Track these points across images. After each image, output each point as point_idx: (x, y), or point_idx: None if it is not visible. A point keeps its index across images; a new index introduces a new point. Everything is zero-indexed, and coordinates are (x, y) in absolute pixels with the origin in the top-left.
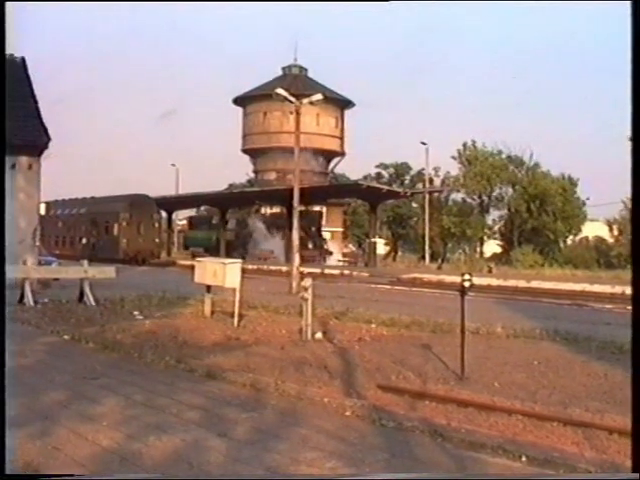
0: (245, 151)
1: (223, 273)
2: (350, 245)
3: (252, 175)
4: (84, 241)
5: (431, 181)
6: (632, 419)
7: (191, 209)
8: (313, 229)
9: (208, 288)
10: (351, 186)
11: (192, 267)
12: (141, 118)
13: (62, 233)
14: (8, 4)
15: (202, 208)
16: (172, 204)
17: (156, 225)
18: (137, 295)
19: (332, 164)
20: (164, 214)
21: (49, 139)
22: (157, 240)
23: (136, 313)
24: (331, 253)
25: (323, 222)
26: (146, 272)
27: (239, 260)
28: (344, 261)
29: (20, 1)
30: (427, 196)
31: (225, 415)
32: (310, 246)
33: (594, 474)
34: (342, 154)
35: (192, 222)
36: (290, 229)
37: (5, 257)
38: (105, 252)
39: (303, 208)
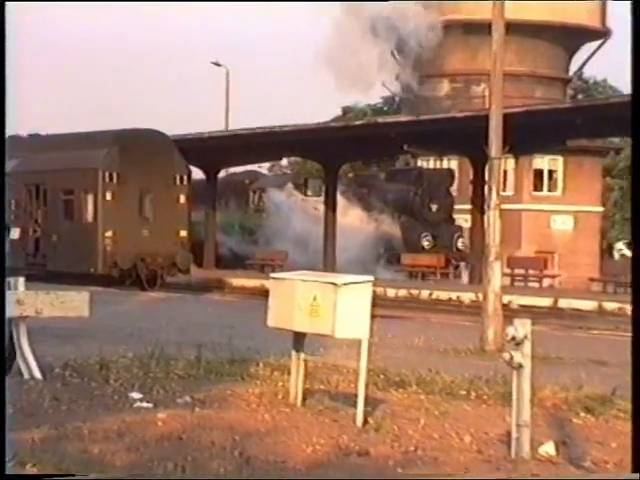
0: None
1: (331, 304)
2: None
3: (394, 88)
4: (16, 234)
5: None
6: (632, 419)
7: (258, 164)
8: (436, 206)
9: (298, 339)
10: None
11: (264, 293)
12: None
13: None
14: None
15: (284, 162)
16: (216, 152)
17: (181, 198)
18: (137, 355)
19: (581, 57)
20: (198, 173)
21: None
22: (183, 232)
23: (135, 395)
24: (465, 262)
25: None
26: (160, 304)
27: (367, 277)
28: (521, 276)
29: (20, 1)
30: None
31: None
32: (426, 243)
33: (594, 474)
34: (604, 34)
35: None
36: (479, 207)
37: (5, 255)
38: (66, 259)
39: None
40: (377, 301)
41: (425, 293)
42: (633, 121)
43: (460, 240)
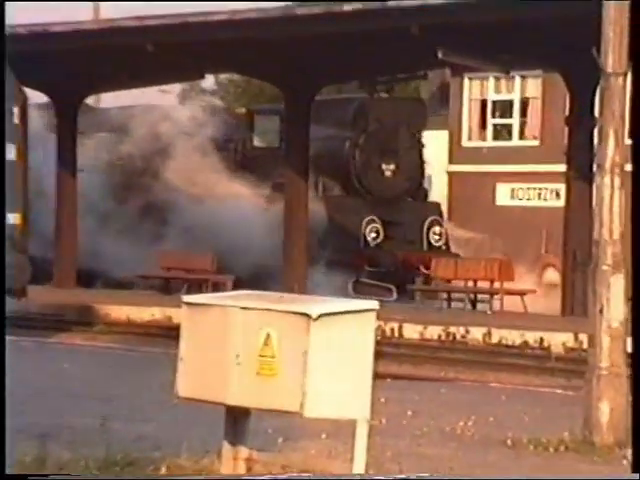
0: None
1: (299, 353)
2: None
3: None
4: None
5: None
6: (632, 419)
7: (158, 86)
8: (392, 168)
9: (234, 421)
10: None
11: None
12: None
13: None
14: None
15: (208, 82)
16: (75, 62)
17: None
18: None
19: None
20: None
21: None
22: (11, 217)
23: None
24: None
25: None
26: None
27: (366, 302)
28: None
29: (20, 1)
30: None
31: None
32: (372, 235)
33: (594, 474)
34: None
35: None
36: None
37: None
38: None
39: None
40: (383, 347)
41: (477, 333)
42: (633, 120)
43: (436, 229)
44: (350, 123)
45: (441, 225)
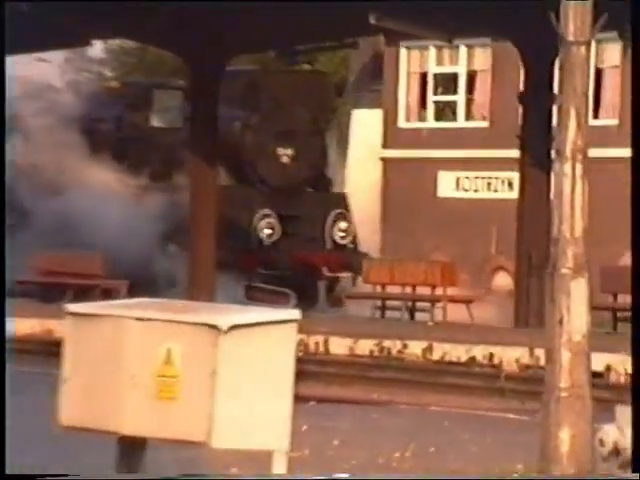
0: None
1: (206, 372)
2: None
3: None
4: None
5: None
6: (632, 419)
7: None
8: (290, 152)
9: (129, 453)
10: None
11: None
12: None
13: None
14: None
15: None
16: None
17: None
18: None
19: None
20: None
21: None
22: None
23: None
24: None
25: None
26: None
27: (286, 312)
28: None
29: (20, 1)
30: None
31: None
32: (267, 232)
33: (594, 474)
34: None
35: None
36: None
37: (5, 259)
38: None
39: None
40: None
41: (415, 347)
42: (633, 119)
43: (342, 225)
44: (239, 101)
45: (348, 220)
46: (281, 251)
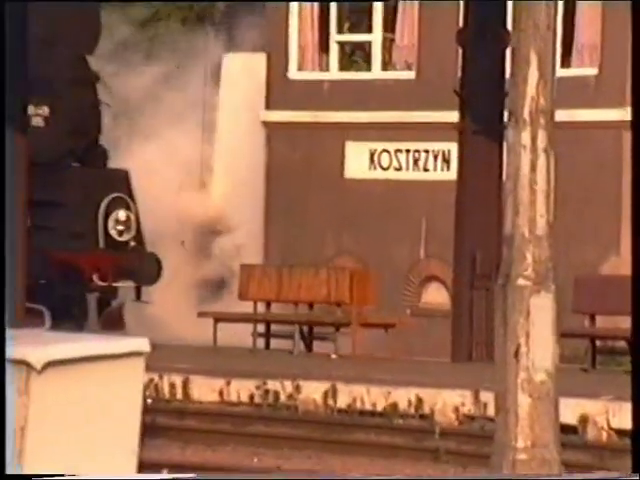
0: None
1: (10, 428)
2: None
3: None
4: None
5: None
6: (632, 419)
7: None
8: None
9: None
10: None
11: None
12: None
13: None
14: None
15: None
16: None
17: None
18: None
19: None
20: None
21: None
22: None
23: None
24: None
25: None
26: None
27: (135, 343)
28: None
29: (20, 1)
30: None
31: None
32: None
33: (594, 474)
34: None
35: None
36: None
37: (5, 260)
38: None
39: None
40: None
41: (313, 391)
42: (633, 119)
43: (120, 215)
44: None
45: (129, 208)
46: (32, 251)
